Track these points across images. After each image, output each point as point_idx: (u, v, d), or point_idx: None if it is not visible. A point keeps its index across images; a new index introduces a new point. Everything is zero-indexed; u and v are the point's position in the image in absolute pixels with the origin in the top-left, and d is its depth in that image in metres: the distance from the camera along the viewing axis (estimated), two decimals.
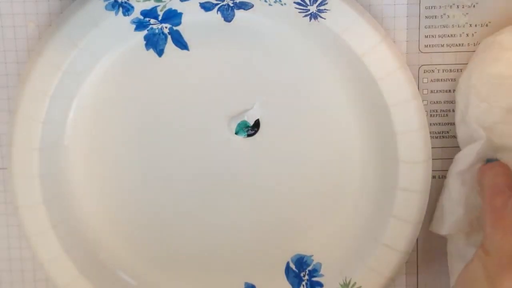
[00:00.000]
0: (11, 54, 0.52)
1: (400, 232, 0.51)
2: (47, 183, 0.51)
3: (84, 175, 0.53)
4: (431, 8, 0.51)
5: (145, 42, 0.51)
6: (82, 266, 0.52)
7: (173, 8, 0.49)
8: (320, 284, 0.54)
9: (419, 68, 0.52)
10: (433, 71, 0.52)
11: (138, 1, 0.48)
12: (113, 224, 0.54)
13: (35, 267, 0.54)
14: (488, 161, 0.48)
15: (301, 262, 0.54)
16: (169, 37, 0.51)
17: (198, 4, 0.49)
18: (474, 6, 0.51)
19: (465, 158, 0.49)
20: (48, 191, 0.51)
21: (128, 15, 0.48)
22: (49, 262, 0.51)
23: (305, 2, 0.48)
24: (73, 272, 0.51)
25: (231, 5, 0.49)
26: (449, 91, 0.52)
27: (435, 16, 0.51)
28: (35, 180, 0.50)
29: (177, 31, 0.51)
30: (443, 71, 0.52)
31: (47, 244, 0.51)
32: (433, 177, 0.52)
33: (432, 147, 0.50)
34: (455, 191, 0.49)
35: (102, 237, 0.54)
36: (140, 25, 0.50)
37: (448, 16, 0.51)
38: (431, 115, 0.52)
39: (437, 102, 0.52)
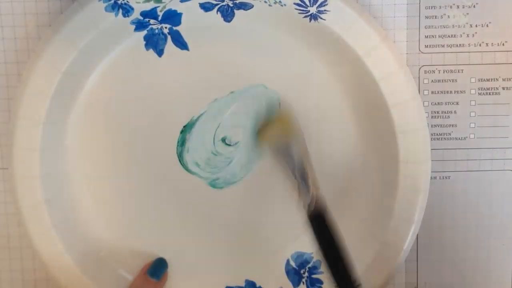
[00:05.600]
0: (11, 54, 0.52)
1: (400, 231, 0.51)
2: (48, 183, 0.51)
3: (85, 175, 0.53)
4: (431, 8, 0.51)
5: (145, 42, 0.51)
6: (83, 265, 0.52)
7: (173, 9, 0.49)
8: (320, 282, 0.54)
9: (420, 68, 0.52)
10: (433, 71, 0.52)
11: (138, 2, 0.48)
12: (113, 223, 0.54)
13: (35, 267, 0.54)
14: None
15: (301, 259, 0.54)
16: (169, 37, 0.51)
17: (198, 5, 0.49)
18: (474, 7, 0.51)
19: None
20: (49, 191, 0.51)
21: (128, 16, 0.48)
22: (50, 262, 0.51)
23: (305, 3, 0.48)
24: (75, 271, 0.52)
25: (231, 5, 0.49)
26: (451, 92, 0.52)
27: (435, 16, 0.51)
28: (36, 181, 0.50)
29: (177, 31, 0.51)
30: (444, 72, 0.52)
31: (48, 243, 0.51)
32: (434, 177, 0.52)
33: (433, 149, 0.51)
34: None
35: (103, 236, 0.54)
36: (139, 26, 0.50)
37: (448, 16, 0.51)
38: (432, 116, 0.52)
39: (438, 103, 0.52)
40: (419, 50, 0.52)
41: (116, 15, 0.48)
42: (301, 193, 0.49)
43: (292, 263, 0.55)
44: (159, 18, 0.50)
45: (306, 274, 0.54)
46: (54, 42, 0.48)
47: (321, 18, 0.48)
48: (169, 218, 0.54)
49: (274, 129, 0.51)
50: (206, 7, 0.49)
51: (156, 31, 0.50)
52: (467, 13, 0.51)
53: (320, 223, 0.48)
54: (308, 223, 0.48)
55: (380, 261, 0.51)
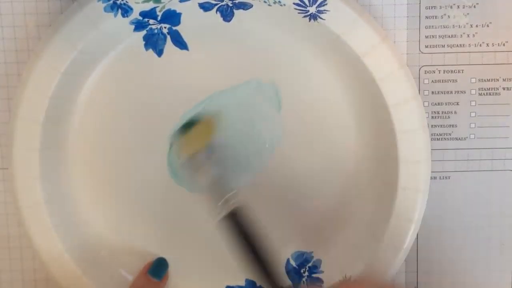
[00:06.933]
0: (11, 54, 0.52)
1: (400, 230, 0.51)
2: (48, 184, 0.51)
3: (85, 175, 0.53)
4: (432, 8, 0.51)
5: (144, 42, 0.51)
6: (83, 265, 0.52)
7: (172, 9, 0.49)
8: (321, 281, 0.54)
9: (420, 68, 0.52)
10: (434, 71, 0.52)
11: (137, 3, 0.47)
12: (113, 223, 0.54)
13: (35, 267, 0.54)
14: None
15: (301, 258, 0.54)
16: (168, 37, 0.51)
17: (197, 4, 0.49)
18: (474, 7, 0.51)
19: None
20: (49, 191, 0.51)
21: (127, 16, 0.48)
22: (50, 262, 0.51)
23: (304, 3, 0.47)
24: (75, 271, 0.52)
25: (230, 5, 0.49)
26: (451, 92, 0.52)
27: (436, 17, 0.51)
28: (36, 181, 0.50)
29: (176, 31, 0.51)
30: (444, 72, 0.52)
31: (48, 243, 0.51)
32: (434, 177, 0.52)
33: (433, 149, 0.51)
34: None
35: (103, 236, 0.54)
36: (139, 26, 0.50)
37: (449, 17, 0.51)
38: (432, 116, 0.52)
39: (438, 103, 0.52)
40: (419, 50, 0.51)
41: (115, 15, 0.48)
42: (214, 199, 0.49)
43: (292, 262, 0.55)
44: (159, 18, 0.49)
45: (306, 273, 0.54)
46: (54, 43, 0.48)
47: (321, 18, 0.48)
48: (170, 217, 0.54)
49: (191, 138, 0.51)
50: (205, 7, 0.49)
51: (156, 31, 0.50)
52: (468, 13, 0.51)
53: (234, 222, 0.49)
54: (221, 224, 0.49)
55: (380, 261, 0.51)
